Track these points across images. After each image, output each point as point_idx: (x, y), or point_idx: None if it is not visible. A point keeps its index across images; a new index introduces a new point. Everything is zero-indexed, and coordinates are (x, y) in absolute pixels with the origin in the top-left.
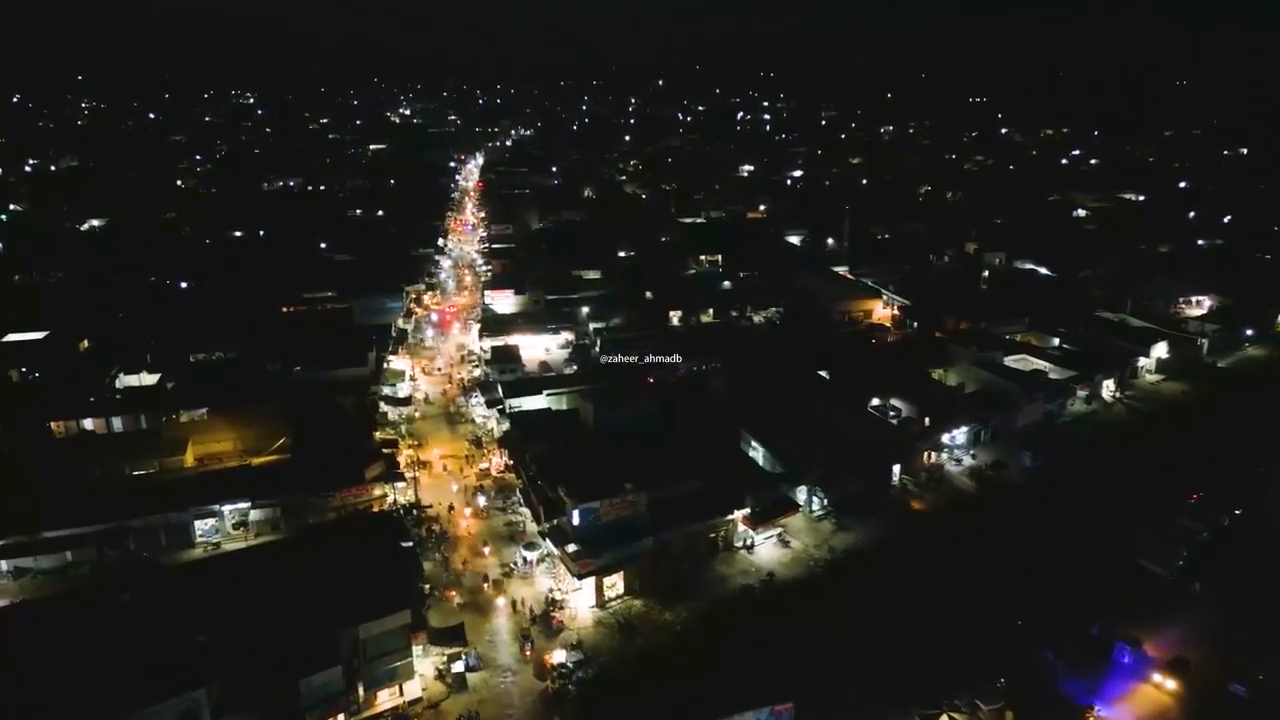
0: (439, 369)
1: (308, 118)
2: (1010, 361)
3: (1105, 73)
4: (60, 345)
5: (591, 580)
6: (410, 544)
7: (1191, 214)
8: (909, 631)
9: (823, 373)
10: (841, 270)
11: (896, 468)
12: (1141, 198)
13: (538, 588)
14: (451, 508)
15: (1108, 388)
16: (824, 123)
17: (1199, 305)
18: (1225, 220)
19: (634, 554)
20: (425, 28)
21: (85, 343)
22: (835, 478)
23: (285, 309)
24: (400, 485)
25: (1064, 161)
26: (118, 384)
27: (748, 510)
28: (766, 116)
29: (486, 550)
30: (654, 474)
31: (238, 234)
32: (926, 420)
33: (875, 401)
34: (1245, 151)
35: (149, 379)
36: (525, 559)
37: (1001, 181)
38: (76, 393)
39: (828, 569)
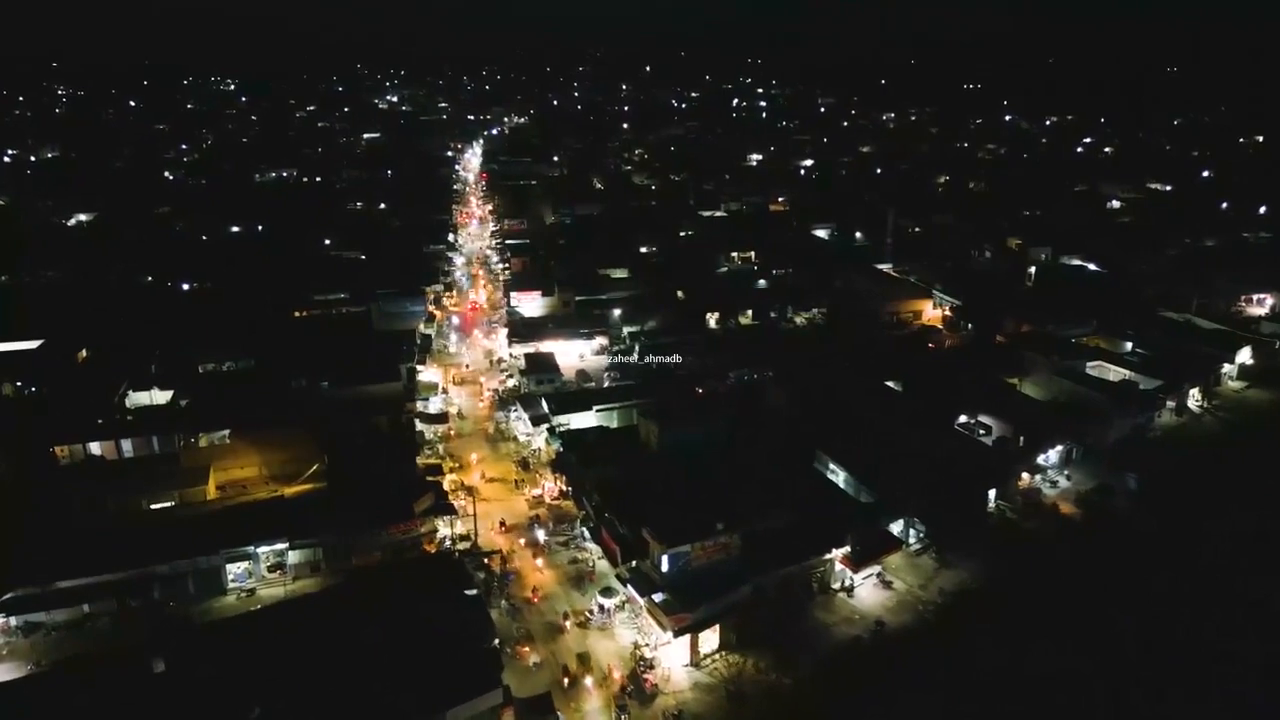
0: (466, 366)
1: (293, 105)
2: (1088, 369)
3: (1094, 60)
4: (58, 356)
5: (685, 635)
6: (474, 591)
7: (1224, 205)
8: (1061, 698)
9: (890, 383)
10: (884, 268)
11: (991, 493)
12: (1168, 188)
13: (619, 641)
14: (503, 525)
15: (1193, 397)
16: (823, 110)
17: (1260, 304)
18: (1261, 211)
19: (731, 604)
20: (397, 15)
21: (83, 352)
22: (933, 507)
23: (297, 313)
24: (449, 518)
25: (1079, 150)
26: (127, 402)
27: (847, 549)
28: (763, 104)
29: (567, 623)
30: (742, 508)
31: (235, 229)
32: (1021, 439)
33: (962, 419)
34: (1261, 139)
35: (160, 396)
36: (603, 607)
37: (1022, 171)
38: (82, 412)
39: (939, 614)
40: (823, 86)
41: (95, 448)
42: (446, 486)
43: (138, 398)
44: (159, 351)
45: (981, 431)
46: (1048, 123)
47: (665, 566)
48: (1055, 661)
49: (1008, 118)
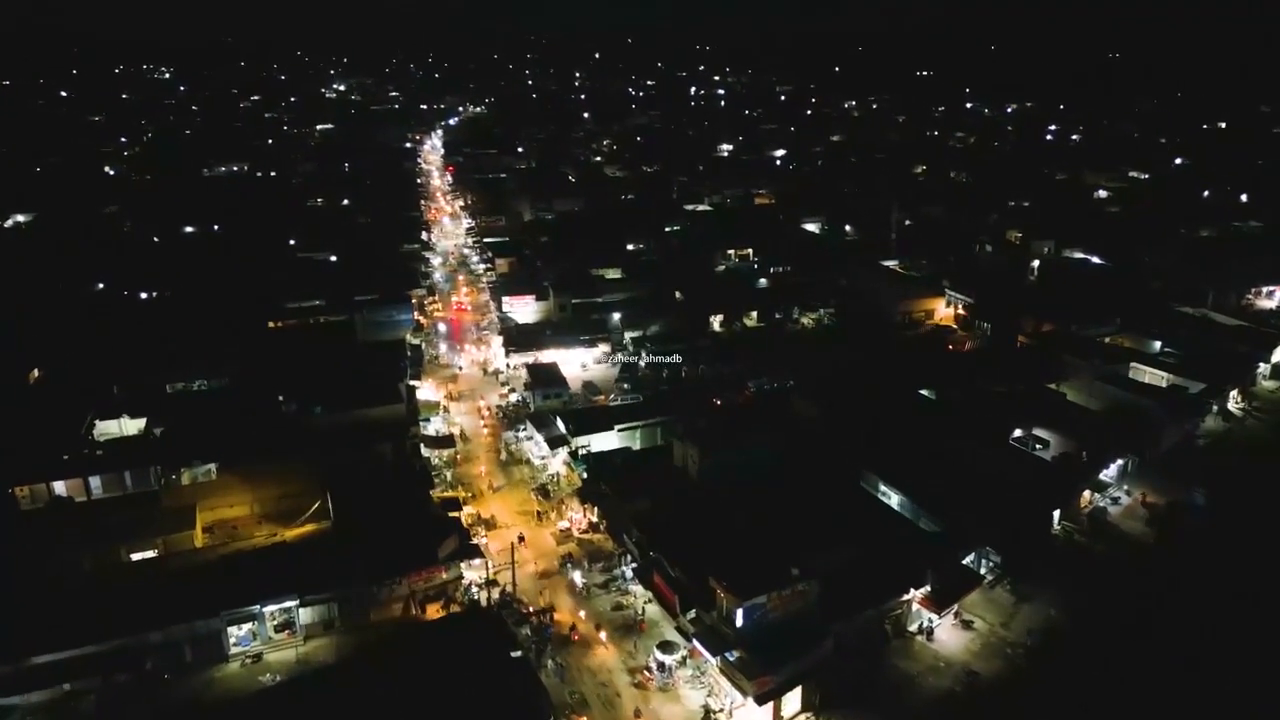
0: (460, 369)
1: (236, 94)
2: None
3: (1035, 49)
4: (10, 378)
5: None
6: (519, 653)
7: (1206, 193)
8: None
9: (924, 391)
10: (890, 264)
11: (1056, 513)
12: (1145, 176)
13: (686, 705)
14: (521, 539)
15: (1232, 399)
16: (783, 98)
17: (1270, 297)
18: (1243, 199)
19: (815, 661)
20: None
21: (35, 372)
22: (1003, 533)
23: (272, 324)
24: (477, 562)
25: (1049, 137)
26: (95, 433)
27: (928, 588)
28: (721, 91)
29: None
30: (806, 544)
31: (189, 229)
32: (1084, 454)
33: (1017, 432)
34: (1224, 126)
35: (130, 425)
36: (663, 665)
37: (999, 159)
38: (44, 445)
39: (1032, 659)
40: (778, 74)
41: (60, 487)
42: (464, 522)
43: (106, 427)
44: (122, 371)
45: (1038, 446)
46: (1009, 109)
47: (740, 621)
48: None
49: (969, 105)
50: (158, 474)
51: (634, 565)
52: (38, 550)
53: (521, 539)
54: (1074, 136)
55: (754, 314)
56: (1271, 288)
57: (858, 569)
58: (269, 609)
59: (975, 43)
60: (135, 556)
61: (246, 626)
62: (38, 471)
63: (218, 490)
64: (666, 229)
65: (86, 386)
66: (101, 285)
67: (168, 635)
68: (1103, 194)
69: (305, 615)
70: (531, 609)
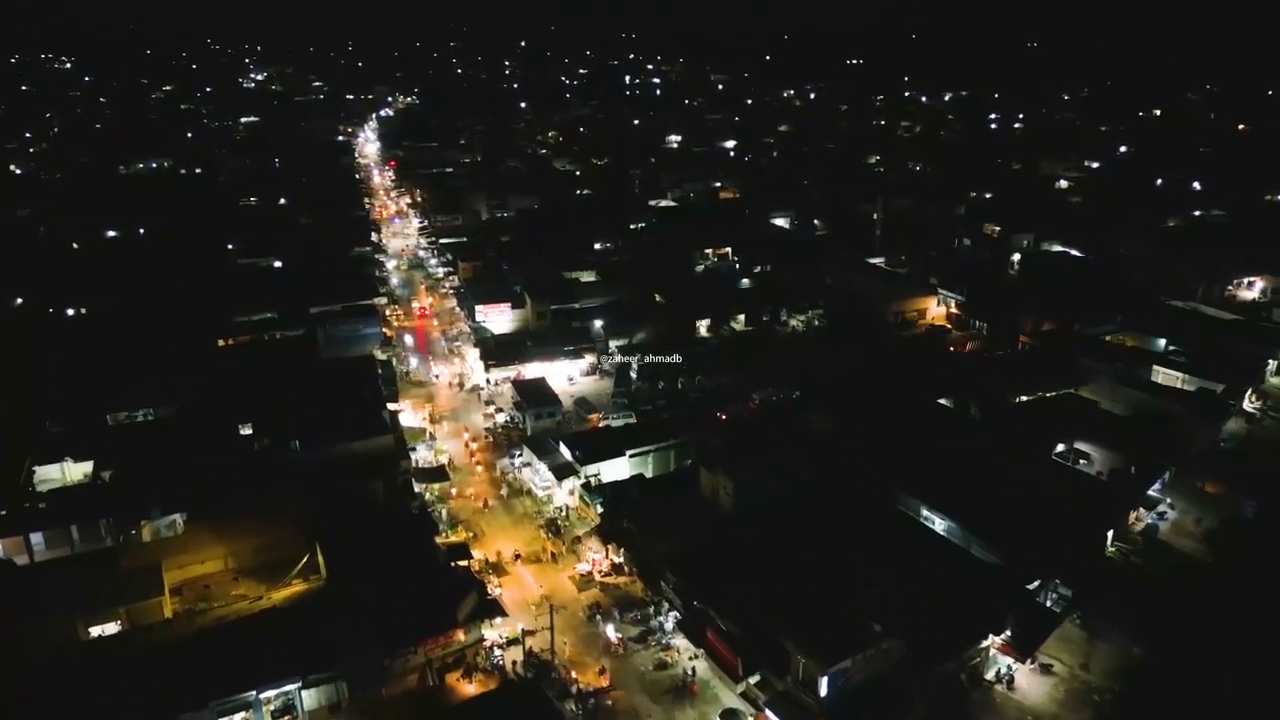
0: (436, 379)
1: (146, 85)
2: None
3: (955, 39)
4: None
5: None
6: None
7: (1159, 181)
8: None
9: (942, 400)
10: (876, 262)
11: (1109, 534)
12: (1095, 165)
13: None
14: (518, 558)
15: (1248, 399)
16: (720, 87)
17: (1249, 288)
18: (1195, 187)
19: None
20: None
21: None
22: (1066, 560)
23: (222, 342)
24: (498, 621)
25: (992, 126)
26: (35, 481)
27: (1008, 634)
28: (656, 80)
29: None
30: (870, 588)
31: (112, 234)
32: (1133, 468)
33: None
34: (1159, 114)
35: (75, 470)
36: None
37: (953, 150)
38: None
39: (1120, 707)
40: (712, 62)
41: None
42: (473, 568)
43: (46, 473)
44: (54, 401)
45: (1081, 461)
46: (946, 98)
47: (825, 690)
48: None
49: (906, 94)
50: (109, 527)
51: (676, 617)
52: None
53: (518, 556)
54: (1015, 125)
55: (741, 317)
56: (1251, 278)
57: (928, 613)
58: (266, 694)
59: (895, 36)
60: (94, 631)
61: (240, 716)
62: None
63: (185, 545)
64: (632, 226)
65: (16, 423)
66: (20, 300)
67: None
68: (1064, 184)
69: (309, 698)
70: (575, 678)
